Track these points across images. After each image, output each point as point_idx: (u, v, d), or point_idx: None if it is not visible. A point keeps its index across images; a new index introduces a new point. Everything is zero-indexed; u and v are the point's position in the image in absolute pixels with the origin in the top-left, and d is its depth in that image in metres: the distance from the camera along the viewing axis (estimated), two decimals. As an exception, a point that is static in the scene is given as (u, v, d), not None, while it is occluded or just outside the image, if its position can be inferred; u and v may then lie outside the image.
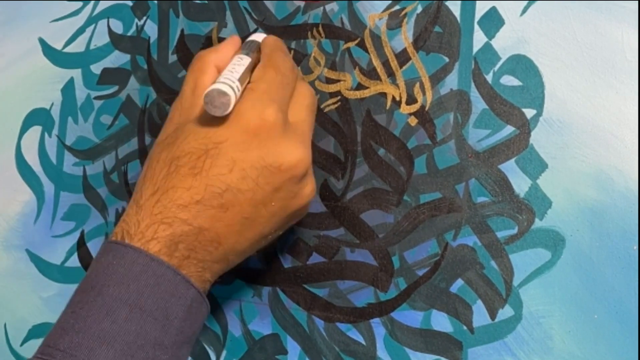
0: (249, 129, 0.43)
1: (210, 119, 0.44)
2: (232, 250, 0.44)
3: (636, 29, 0.46)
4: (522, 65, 0.48)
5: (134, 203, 0.44)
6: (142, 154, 0.58)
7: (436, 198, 0.50)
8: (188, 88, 0.47)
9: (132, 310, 0.41)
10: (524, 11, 0.49)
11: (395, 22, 0.51)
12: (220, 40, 0.56)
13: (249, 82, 0.46)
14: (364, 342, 0.51)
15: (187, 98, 0.46)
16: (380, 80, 0.52)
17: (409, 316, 0.50)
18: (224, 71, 0.45)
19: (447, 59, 0.50)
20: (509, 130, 0.48)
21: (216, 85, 0.42)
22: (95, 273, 0.43)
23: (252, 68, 0.47)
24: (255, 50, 0.48)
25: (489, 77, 0.49)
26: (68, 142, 0.61)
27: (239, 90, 0.43)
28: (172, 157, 0.43)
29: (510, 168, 0.48)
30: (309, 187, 0.46)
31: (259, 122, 0.43)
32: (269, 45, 0.48)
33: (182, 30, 0.57)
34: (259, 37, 0.50)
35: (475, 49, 0.49)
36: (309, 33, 0.54)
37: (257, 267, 0.54)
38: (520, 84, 0.48)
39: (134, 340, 0.41)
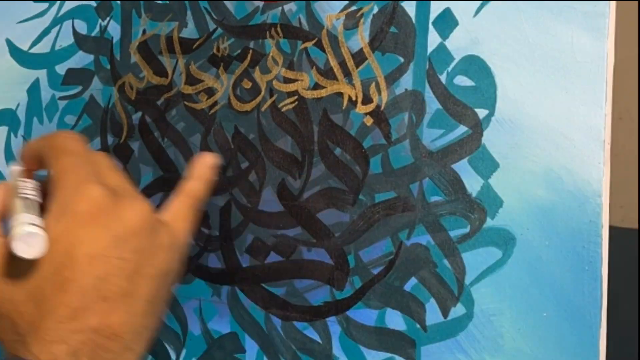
0: (84, 218, 0.42)
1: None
2: (134, 335, 0.43)
3: (586, 30, 0.46)
4: (475, 66, 0.49)
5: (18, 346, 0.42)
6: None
7: (391, 197, 0.50)
8: None
9: None
10: (477, 12, 0.49)
11: (352, 22, 0.52)
12: (181, 40, 0.56)
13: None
14: (320, 341, 0.51)
15: None
16: (337, 80, 0.52)
17: (364, 314, 0.50)
18: (14, 215, 0.43)
19: (402, 59, 0.50)
20: (462, 130, 0.49)
21: (16, 234, 0.41)
22: None
23: (41, 188, 0.46)
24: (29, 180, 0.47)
25: (443, 78, 0.49)
26: (32, 142, 0.61)
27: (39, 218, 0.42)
28: (34, 288, 0.42)
29: (463, 167, 0.49)
30: (166, 235, 0.45)
31: (88, 205, 0.42)
32: (39, 146, 0.46)
33: (144, 30, 0.58)
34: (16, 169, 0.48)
35: (430, 49, 0.50)
36: (268, 33, 0.54)
37: (216, 267, 0.54)
38: (473, 84, 0.49)
39: None
